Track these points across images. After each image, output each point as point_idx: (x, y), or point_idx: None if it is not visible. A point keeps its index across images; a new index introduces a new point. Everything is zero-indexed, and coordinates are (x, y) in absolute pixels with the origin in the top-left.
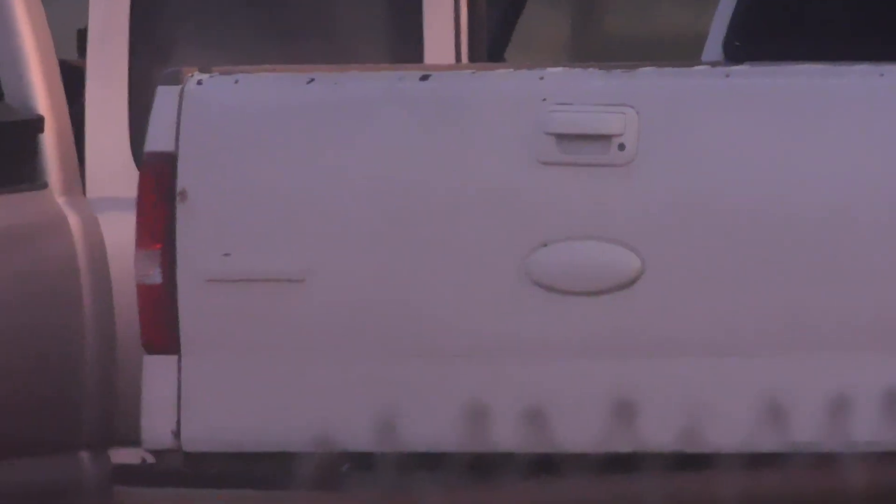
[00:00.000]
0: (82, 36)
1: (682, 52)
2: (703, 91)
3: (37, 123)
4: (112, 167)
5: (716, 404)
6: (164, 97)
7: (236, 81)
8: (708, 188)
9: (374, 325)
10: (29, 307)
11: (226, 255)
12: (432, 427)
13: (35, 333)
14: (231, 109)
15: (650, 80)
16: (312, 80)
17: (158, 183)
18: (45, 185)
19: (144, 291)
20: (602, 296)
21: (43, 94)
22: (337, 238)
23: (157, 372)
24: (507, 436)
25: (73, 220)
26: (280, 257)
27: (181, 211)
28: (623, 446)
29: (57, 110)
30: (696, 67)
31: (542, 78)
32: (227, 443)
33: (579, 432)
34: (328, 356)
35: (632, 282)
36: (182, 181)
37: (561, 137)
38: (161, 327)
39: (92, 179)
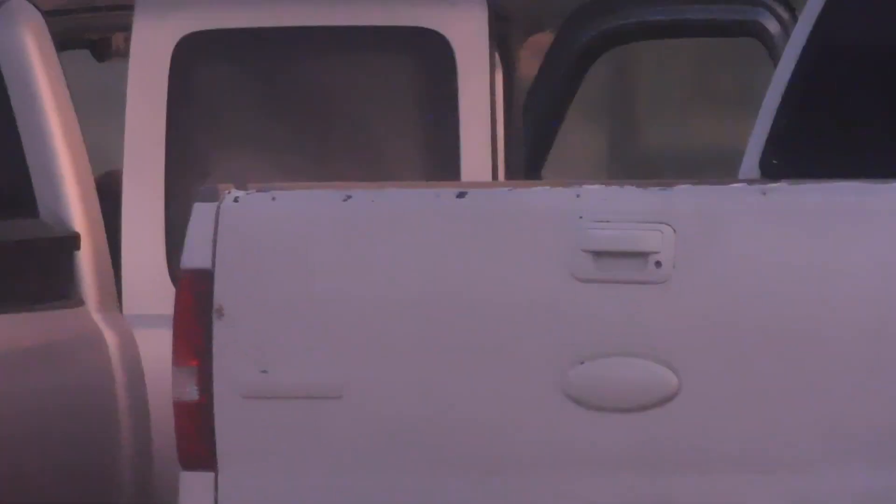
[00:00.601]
0: None
1: (720, 168)
2: (739, 208)
3: (72, 240)
4: (149, 284)
5: None
6: (201, 214)
7: (273, 198)
8: (744, 305)
9: (411, 441)
10: (65, 423)
11: (263, 371)
12: None
13: (72, 449)
14: (268, 226)
15: (686, 198)
16: (349, 196)
17: (195, 299)
18: (81, 302)
19: (181, 408)
20: (639, 413)
21: (79, 211)
22: (374, 354)
23: (193, 488)
24: None
25: (110, 337)
26: (317, 373)
27: (218, 327)
28: None
29: (93, 227)
30: (733, 185)
31: (578, 195)
32: None
33: None
34: (365, 472)
35: (669, 398)
36: (219, 298)
37: (598, 254)
38: (198, 443)
39: (129, 296)
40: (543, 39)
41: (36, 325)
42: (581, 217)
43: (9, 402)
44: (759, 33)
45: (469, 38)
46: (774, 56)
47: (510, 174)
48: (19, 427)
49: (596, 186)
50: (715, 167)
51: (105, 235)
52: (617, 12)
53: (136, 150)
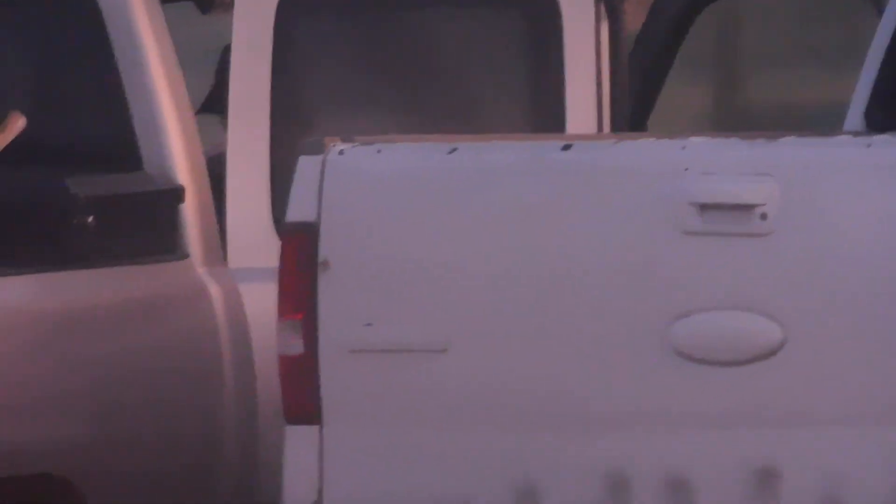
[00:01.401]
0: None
1: (825, 121)
2: (844, 161)
3: (177, 193)
4: (253, 237)
5: (857, 474)
6: (306, 167)
7: (378, 151)
8: (848, 258)
9: (514, 396)
10: (170, 377)
11: (367, 324)
12: (572, 498)
13: (176, 403)
14: (373, 179)
15: (791, 150)
16: (455, 149)
17: (300, 253)
18: (185, 256)
19: (286, 362)
20: (744, 366)
21: (183, 165)
22: (478, 308)
23: (298, 442)
24: None
25: (214, 290)
26: (421, 327)
27: (323, 281)
28: None
29: (197, 180)
30: (838, 137)
31: (684, 147)
32: None
33: (721, 503)
34: (469, 426)
35: (773, 351)
36: (324, 251)
37: (703, 207)
38: (303, 397)
39: (233, 249)
40: None
41: (140, 279)
42: (686, 169)
43: (114, 356)
44: None
45: None
46: (879, 8)
47: (616, 128)
48: (124, 382)
49: (701, 139)
50: (820, 120)
51: (210, 189)
52: None
53: (240, 103)
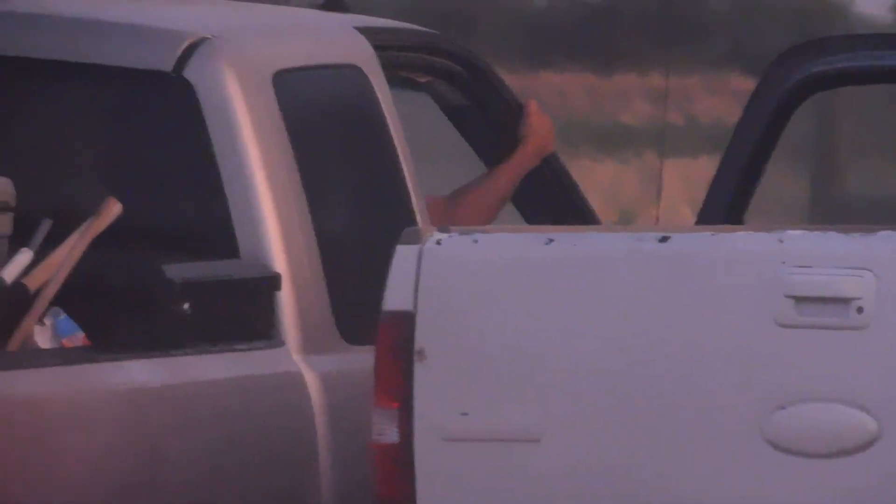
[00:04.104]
0: None
1: None
2: None
3: (273, 280)
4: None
5: None
6: (404, 256)
7: (475, 241)
8: None
9: (609, 486)
10: (263, 464)
11: (463, 413)
12: None
13: (269, 492)
14: (469, 269)
15: (889, 244)
16: (552, 240)
17: (397, 342)
18: (281, 343)
19: (381, 449)
20: (838, 458)
21: (280, 251)
22: (572, 397)
23: None
24: None
25: (310, 378)
26: (516, 416)
27: (419, 370)
28: None
29: (295, 267)
30: None
31: (781, 241)
32: None
33: None
34: None
35: (868, 444)
36: (420, 340)
37: (800, 300)
38: (397, 485)
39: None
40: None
41: (233, 365)
42: (783, 262)
43: (206, 442)
44: None
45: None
46: None
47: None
48: (215, 468)
49: (798, 232)
50: None
51: (316, 275)
52: (827, 56)
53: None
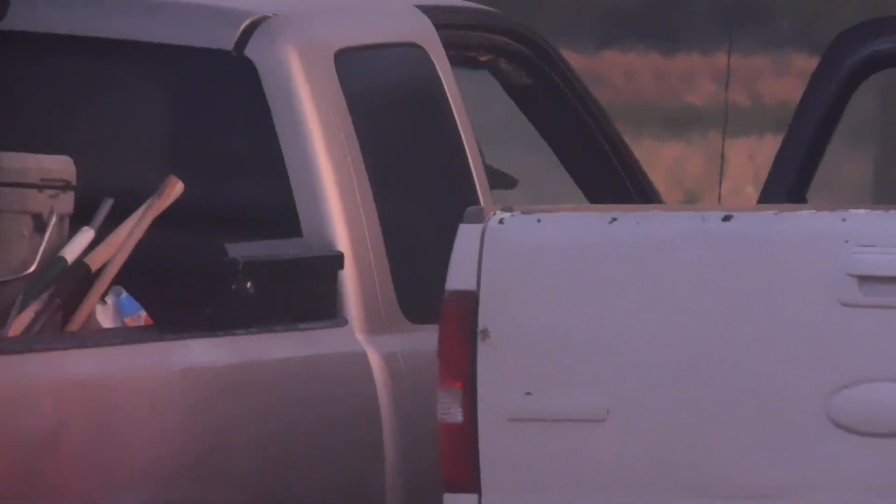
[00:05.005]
0: None
1: None
2: None
3: (336, 259)
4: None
5: None
6: (467, 235)
7: (538, 220)
8: None
9: (673, 465)
10: (327, 444)
11: (527, 393)
12: None
13: (333, 472)
14: (532, 248)
15: None
16: (615, 219)
17: (460, 321)
18: (344, 322)
19: (445, 429)
20: None
21: (343, 230)
22: (637, 377)
23: None
24: None
25: (373, 358)
26: (581, 396)
27: (482, 349)
28: None
29: (358, 247)
30: None
31: (844, 219)
32: None
33: None
34: (628, 495)
35: None
36: (483, 319)
37: (863, 279)
38: (462, 466)
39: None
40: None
41: (296, 345)
42: (847, 241)
43: (271, 420)
44: None
45: None
46: None
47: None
48: (280, 449)
49: (861, 211)
50: None
51: (378, 254)
52: (887, 35)
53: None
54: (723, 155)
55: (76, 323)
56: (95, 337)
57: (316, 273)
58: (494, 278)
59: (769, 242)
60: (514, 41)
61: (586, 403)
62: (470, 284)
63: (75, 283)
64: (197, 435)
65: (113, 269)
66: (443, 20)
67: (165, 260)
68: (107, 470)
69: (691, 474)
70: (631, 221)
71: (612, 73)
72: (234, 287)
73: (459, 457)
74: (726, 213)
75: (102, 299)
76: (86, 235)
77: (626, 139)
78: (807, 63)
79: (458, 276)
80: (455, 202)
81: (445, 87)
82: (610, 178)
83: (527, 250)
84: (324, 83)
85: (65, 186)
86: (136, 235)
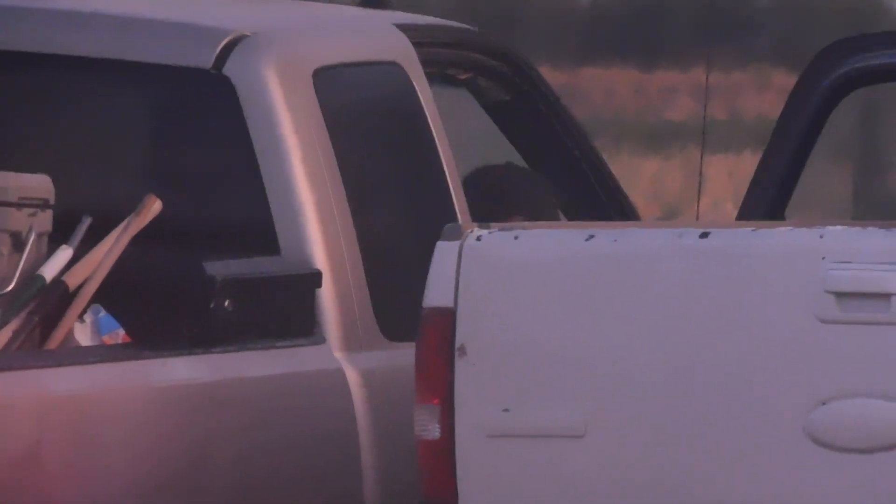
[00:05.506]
0: None
1: None
2: None
3: (314, 278)
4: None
5: None
6: (444, 252)
7: (516, 237)
8: None
9: (652, 482)
10: (305, 461)
11: (505, 410)
12: None
13: (312, 488)
14: (510, 265)
15: None
16: (592, 236)
17: (438, 338)
18: (322, 340)
19: (423, 446)
20: (880, 454)
21: (321, 249)
22: (615, 393)
23: None
24: None
25: (351, 375)
26: (559, 412)
27: (460, 366)
28: None
29: (336, 264)
30: None
31: (821, 236)
32: None
33: None
34: None
35: None
36: (461, 336)
37: (840, 295)
38: (441, 482)
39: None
40: (786, 78)
41: (273, 363)
42: (824, 258)
43: (248, 438)
44: None
45: None
46: None
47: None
48: (258, 465)
49: (839, 227)
50: None
51: (356, 272)
52: (868, 52)
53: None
54: (701, 171)
55: (54, 341)
56: (74, 355)
57: (294, 291)
58: (472, 295)
59: (747, 258)
60: (492, 59)
61: (565, 419)
62: (448, 301)
63: (54, 301)
64: (176, 453)
65: (91, 288)
66: (421, 38)
67: (144, 278)
68: (85, 488)
69: (669, 491)
70: (608, 238)
71: (591, 88)
72: (212, 305)
73: (438, 473)
74: (704, 230)
75: (81, 317)
76: (64, 254)
77: (605, 155)
78: (787, 79)
79: (436, 293)
80: (433, 219)
81: (423, 104)
82: (587, 194)
83: (504, 267)
84: (302, 101)
85: (43, 205)
86: (114, 253)
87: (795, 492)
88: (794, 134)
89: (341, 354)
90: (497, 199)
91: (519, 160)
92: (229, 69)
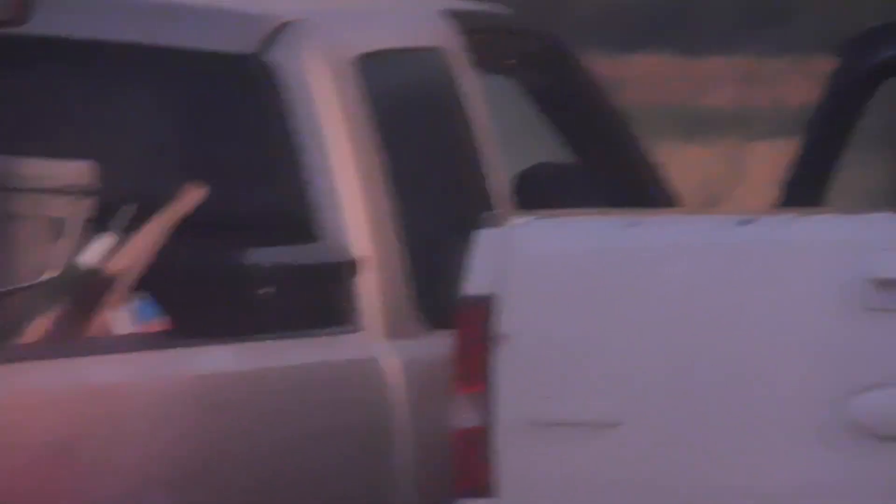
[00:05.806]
0: None
1: None
2: None
3: (353, 266)
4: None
5: None
6: (485, 240)
7: (556, 225)
8: None
9: (687, 471)
10: (343, 450)
11: (545, 398)
12: None
13: (347, 477)
14: (550, 253)
15: None
16: (633, 224)
17: (478, 326)
18: (360, 329)
19: (462, 435)
20: None
21: (363, 236)
22: (653, 383)
23: None
24: None
25: (387, 365)
26: (598, 401)
27: (500, 354)
28: None
29: (377, 252)
30: None
31: (864, 224)
32: None
33: None
34: (646, 500)
35: None
36: (500, 324)
37: (883, 283)
38: (477, 471)
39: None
40: (823, 64)
41: (316, 350)
42: (867, 245)
43: (287, 426)
44: None
45: None
46: None
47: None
48: (292, 453)
49: (881, 214)
50: None
51: (397, 259)
52: None
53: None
54: (740, 160)
55: (94, 329)
56: (114, 343)
57: (335, 279)
58: (511, 283)
59: (788, 247)
60: (535, 46)
61: (602, 408)
62: (487, 289)
63: (95, 288)
64: (214, 441)
65: (133, 275)
66: (465, 25)
67: (185, 265)
68: (124, 475)
69: (706, 481)
70: (649, 226)
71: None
72: (254, 292)
73: (476, 462)
74: (745, 218)
75: (122, 305)
76: (106, 241)
77: (646, 143)
78: (830, 65)
79: (476, 282)
80: (474, 207)
81: (467, 90)
82: (629, 182)
83: (544, 255)
84: (346, 87)
85: (85, 192)
86: (156, 241)
87: (837, 479)
88: (831, 121)
89: (381, 342)
90: (550, 197)
91: (560, 147)
92: (273, 55)
